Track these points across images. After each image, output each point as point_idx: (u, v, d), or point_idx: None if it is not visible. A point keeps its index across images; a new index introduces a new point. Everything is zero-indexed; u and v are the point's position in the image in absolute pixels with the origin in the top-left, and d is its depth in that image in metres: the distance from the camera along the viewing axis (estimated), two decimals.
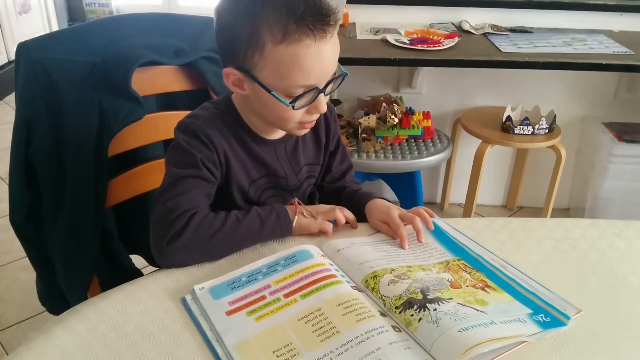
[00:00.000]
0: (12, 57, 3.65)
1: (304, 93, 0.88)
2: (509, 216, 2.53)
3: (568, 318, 0.77)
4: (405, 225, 0.95)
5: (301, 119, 0.93)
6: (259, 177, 1.02)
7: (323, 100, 0.92)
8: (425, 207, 1.00)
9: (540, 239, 0.98)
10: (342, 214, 0.99)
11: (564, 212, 2.55)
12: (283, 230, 0.95)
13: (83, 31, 1.18)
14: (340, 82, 0.94)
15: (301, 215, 0.96)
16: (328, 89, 0.91)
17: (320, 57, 0.86)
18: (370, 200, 1.03)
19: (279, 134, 1.02)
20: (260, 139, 1.00)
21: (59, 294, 1.22)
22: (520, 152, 2.45)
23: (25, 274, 2.05)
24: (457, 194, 2.53)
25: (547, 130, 2.08)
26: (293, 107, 0.89)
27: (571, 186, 2.52)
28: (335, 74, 0.91)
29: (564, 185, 2.45)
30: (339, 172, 1.15)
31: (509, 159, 2.51)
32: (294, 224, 0.95)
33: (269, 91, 0.88)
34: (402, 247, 0.93)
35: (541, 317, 0.77)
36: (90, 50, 1.11)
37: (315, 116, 0.95)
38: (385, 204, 1.01)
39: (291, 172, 1.05)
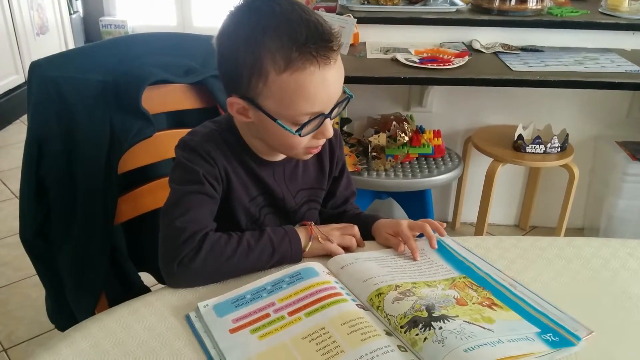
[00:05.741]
0: None
1: (310, 120, 0.88)
2: (521, 236, 2.50)
3: (579, 339, 0.76)
4: (414, 236, 0.97)
5: (307, 144, 0.92)
6: (257, 195, 1.01)
7: (329, 125, 0.91)
8: (435, 220, 0.99)
9: (550, 258, 0.97)
10: (352, 232, 0.99)
11: (578, 232, 2.51)
12: (293, 257, 0.94)
13: (95, 50, 1.20)
14: (346, 104, 0.92)
15: (316, 240, 0.96)
16: (334, 113, 0.91)
17: (325, 83, 0.85)
18: (377, 220, 1.04)
19: (279, 157, 1.01)
20: (260, 160, 0.99)
21: (69, 311, 1.21)
22: (532, 171, 2.43)
23: (37, 291, 2.05)
24: (469, 213, 2.51)
25: (559, 149, 2.07)
26: (300, 134, 0.88)
27: (585, 206, 2.49)
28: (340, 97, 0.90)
29: (578, 205, 2.42)
30: (342, 198, 1.14)
31: (521, 178, 2.49)
32: (307, 248, 0.95)
33: (274, 120, 0.87)
34: (413, 258, 0.94)
35: (549, 336, 0.76)
36: (102, 69, 1.12)
37: (322, 141, 0.94)
38: (393, 219, 1.01)
39: (289, 194, 1.04)
